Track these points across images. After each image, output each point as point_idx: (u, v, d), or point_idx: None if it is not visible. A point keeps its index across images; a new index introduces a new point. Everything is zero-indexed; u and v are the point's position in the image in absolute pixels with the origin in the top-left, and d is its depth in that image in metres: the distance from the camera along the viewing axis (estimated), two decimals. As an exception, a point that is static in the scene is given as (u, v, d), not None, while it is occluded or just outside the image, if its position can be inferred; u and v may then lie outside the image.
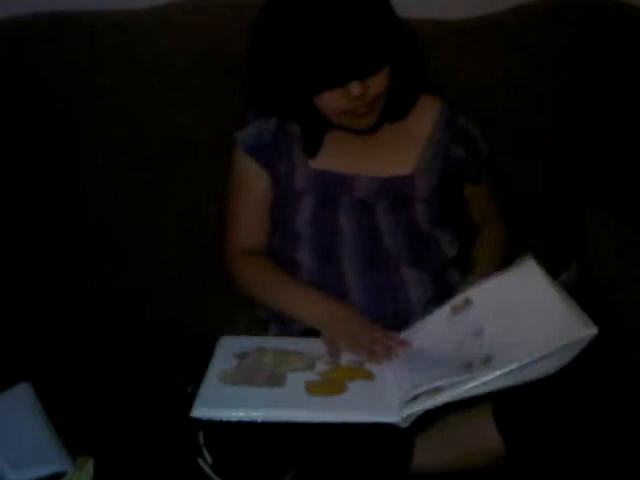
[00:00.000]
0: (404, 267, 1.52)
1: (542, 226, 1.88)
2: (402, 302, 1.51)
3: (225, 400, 1.27)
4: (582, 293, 1.55)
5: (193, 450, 1.36)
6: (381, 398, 1.27)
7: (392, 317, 1.49)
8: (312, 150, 1.53)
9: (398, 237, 1.52)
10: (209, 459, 1.34)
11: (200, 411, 1.26)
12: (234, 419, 1.25)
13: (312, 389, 1.30)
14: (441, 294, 1.51)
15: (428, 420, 1.29)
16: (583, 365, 1.24)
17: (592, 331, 1.21)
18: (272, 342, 1.46)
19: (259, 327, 1.62)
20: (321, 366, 1.37)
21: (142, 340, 1.70)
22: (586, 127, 1.89)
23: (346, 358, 1.39)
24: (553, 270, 1.76)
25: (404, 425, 1.23)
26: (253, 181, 1.59)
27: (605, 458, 1.26)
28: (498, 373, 1.21)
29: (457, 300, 1.44)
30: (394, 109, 1.53)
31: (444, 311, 1.45)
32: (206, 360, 1.39)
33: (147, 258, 1.81)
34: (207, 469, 1.34)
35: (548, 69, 1.89)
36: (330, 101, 1.42)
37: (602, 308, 1.55)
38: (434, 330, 1.43)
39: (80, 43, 1.80)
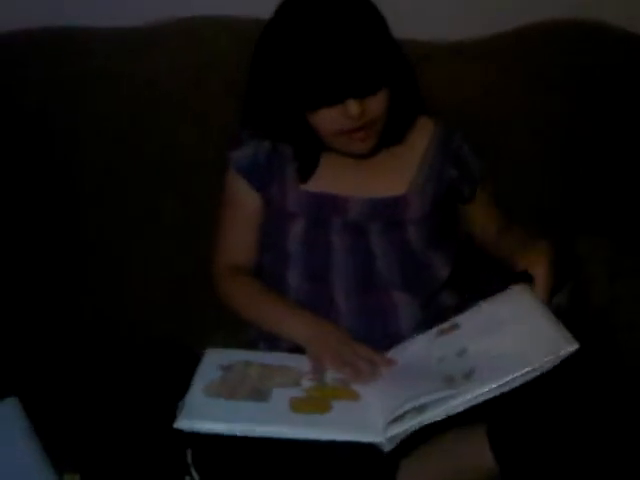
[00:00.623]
0: (395, 290, 1.51)
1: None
2: (392, 325, 1.51)
3: (209, 413, 1.26)
4: (575, 315, 1.55)
5: (181, 469, 1.35)
6: (366, 418, 1.26)
7: (381, 340, 1.48)
8: (305, 173, 1.53)
9: (391, 259, 1.52)
10: (197, 478, 1.33)
11: (183, 423, 1.24)
12: (217, 432, 1.23)
13: (296, 406, 1.29)
14: (430, 317, 1.50)
15: (415, 443, 1.29)
16: (577, 386, 1.24)
17: (573, 347, 1.22)
18: (259, 357, 1.45)
19: (249, 345, 1.61)
20: (307, 383, 1.36)
21: (132, 355, 1.69)
22: (580, 149, 1.90)
23: (332, 377, 1.38)
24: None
25: (389, 447, 1.22)
26: (244, 202, 1.59)
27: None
28: (480, 390, 1.21)
29: (446, 324, 1.45)
30: (391, 134, 1.53)
31: (431, 333, 1.44)
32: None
33: (143, 271, 1.81)
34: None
35: (541, 91, 1.90)
36: (327, 120, 1.41)
37: (595, 331, 1.55)
38: (418, 350, 1.43)
39: (73, 59, 1.81)
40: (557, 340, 1.25)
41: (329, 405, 1.29)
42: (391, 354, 1.44)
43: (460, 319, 1.43)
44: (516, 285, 1.42)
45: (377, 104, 1.42)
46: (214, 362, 1.40)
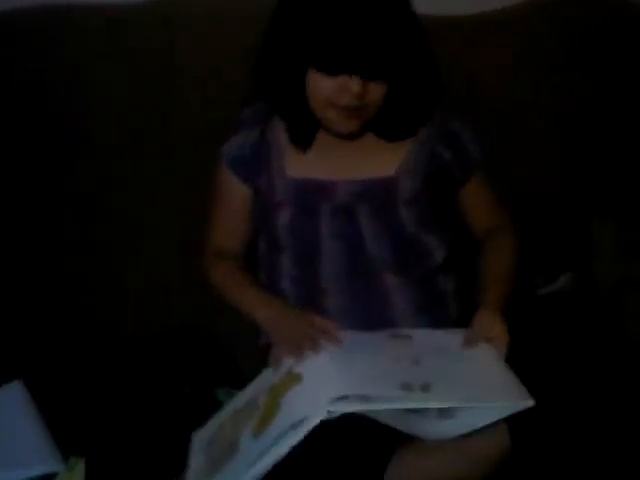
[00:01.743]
0: (388, 274, 1.50)
1: (541, 228, 1.86)
2: (387, 310, 1.50)
3: None
4: (581, 298, 1.55)
5: (186, 454, 1.36)
6: (307, 399, 1.26)
7: (377, 325, 1.48)
8: (300, 140, 1.50)
9: (382, 242, 1.50)
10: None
11: None
12: None
13: (255, 430, 1.29)
14: (429, 300, 1.50)
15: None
16: (588, 370, 1.24)
17: (529, 403, 1.22)
18: (229, 407, 1.44)
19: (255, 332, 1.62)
20: (262, 399, 1.35)
21: (138, 340, 1.69)
22: (592, 126, 1.88)
23: (278, 375, 1.38)
24: (550, 274, 1.77)
25: (330, 417, 1.21)
26: (232, 194, 1.58)
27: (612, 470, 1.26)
28: (435, 404, 1.23)
29: (398, 331, 1.45)
30: (393, 129, 1.50)
31: (383, 333, 1.45)
32: (206, 361, 1.38)
33: (148, 257, 1.81)
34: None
35: (553, 65, 1.87)
36: (325, 88, 1.37)
37: (603, 313, 1.54)
38: (371, 341, 1.43)
39: (72, 37, 1.78)
40: (515, 391, 1.25)
41: (278, 405, 1.29)
42: (341, 334, 1.42)
43: (413, 332, 1.44)
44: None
45: (377, 92, 1.39)
46: (198, 447, 1.39)
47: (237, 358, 1.71)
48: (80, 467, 1.42)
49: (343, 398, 1.21)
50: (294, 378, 1.32)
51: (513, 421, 1.27)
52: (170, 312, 1.80)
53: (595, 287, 1.65)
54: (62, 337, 1.73)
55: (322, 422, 1.19)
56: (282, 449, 1.20)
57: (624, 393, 1.28)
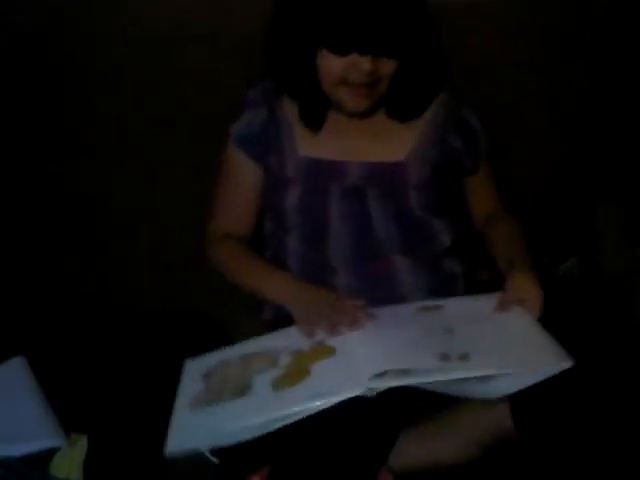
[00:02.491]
0: (395, 255, 1.50)
1: (543, 216, 1.86)
2: (394, 291, 1.50)
3: (197, 429, 1.27)
4: (584, 285, 1.55)
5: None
6: (344, 373, 1.26)
7: (383, 305, 1.48)
8: (312, 121, 1.50)
9: (390, 224, 1.50)
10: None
11: (172, 446, 1.25)
12: (208, 446, 1.24)
13: (277, 384, 1.29)
14: (437, 283, 1.50)
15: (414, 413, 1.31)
16: (594, 360, 1.23)
17: (568, 364, 1.22)
18: (234, 350, 1.44)
19: (258, 307, 1.61)
20: (284, 359, 1.35)
21: (140, 318, 1.70)
22: (597, 113, 1.88)
23: (308, 343, 1.38)
24: (553, 261, 1.77)
25: (370, 394, 1.21)
26: (242, 173, 1.58)
27: (616, 458, 1.26)
28: (475, 373, 1.22)
29: (429, 303, 1.44)
30: (404, 108, 1.51)
31: (412, 306, 1.45)
32: (205, 339, 1.38)
33: (148, 237, 1.80)
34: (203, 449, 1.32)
35: (555, 51, 1.87)
36: (335, 67, 1.37)
37: (608, 299, 1.54)
38: (403, 315, 1.43)
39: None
40: (554, 353, 1.25)
41: (308, 371, 1.29)
42: (372, 311, 1.42)
43: (443, 302, 1.44)
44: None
45: (388, 68, 1.40)
46: (194, 374, 1.40)
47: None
48: (82, 443, 1.42)
49: (382, 374, 1.21)
50: (326, 350, 1.33)
51: (516, 405, 1.27)
52: (171, 293, 1.80)
53: (601, 273, 1.65)
54: (65, 315, 1.73)
55: (326, 408, 1.20)
56: (304, 411, 1.22)
57: (629, 379, 1.28)
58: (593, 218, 1.71)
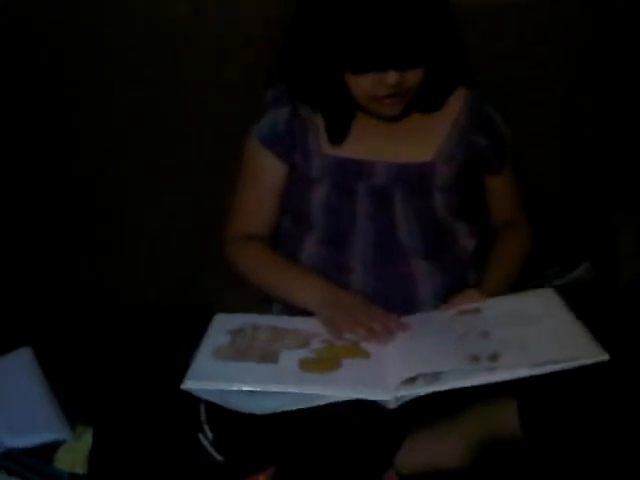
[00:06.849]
0: (417, 259, 1.49)
1: (558, 218, 1.85)
2: (411, 295, 1.48)
3: (216, 374, 1.25)
4: (598, 289, 1.53)
5: (194, 425, 1.35)
6: (374, 376, 1.25)
7: (399, 310, 1.46)
8: (337, 137, 1.51)
9: (413, 227, 1.49)
10: (209, 435, 1.33)
11: (190, 383, 1.24)
12: (223, 390, 1.22)
13: (305, 366, 1.28)
14: (455, 290, 1.47)
15: (424, 413, 1.29)
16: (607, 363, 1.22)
17: (603, 357, 1.20)
18: (267, 320, 1.44)
19: (262, 307, 1.61)
20: (316, 344, 1.34)
21: (145, 311, 1.69)
22: (613, 115, 1.86)
23: (343, 339, 1.37)
24: (567, 265, 1.76)
25: (394, 405, 1.21)
26: (267, 172, 1.56)
27: (623, 461, 1.24)
28: (505, 376, 1.20)
29: (467, 306, 1.42)
30: (429, 101, 1.50)
31: (451, 310, 1.43)
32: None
33: (153, 232, 1.81)
34: (207, 444, 1.33)
35: (572, 52, 1.85)
36: (363, 84, 1.39)
37: (623, 304, 1.53)
38: (437, 321, 1.41)
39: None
40: (588, 347, 1.23)
41: (339, 363, 1.28)
42: (406, 319, 1.43)
43: (482, 305, 1.42)
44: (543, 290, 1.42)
45: (415, 77, 1.40)
46: (223, 327, 1.38)
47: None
48: (87, 435, 1.42)
49: (410, 380, 1.21)
50: (361, 352, 1.32)
51: (523, 408, 1.25)
52: (184, 287, 1.80)
53: (615, 278, 1.63)
54: (72, 308, 1.73)
55: (333, 408, 1.20)
56: (322, 398, 1.21)
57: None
58: (609, 222, 1.70)
